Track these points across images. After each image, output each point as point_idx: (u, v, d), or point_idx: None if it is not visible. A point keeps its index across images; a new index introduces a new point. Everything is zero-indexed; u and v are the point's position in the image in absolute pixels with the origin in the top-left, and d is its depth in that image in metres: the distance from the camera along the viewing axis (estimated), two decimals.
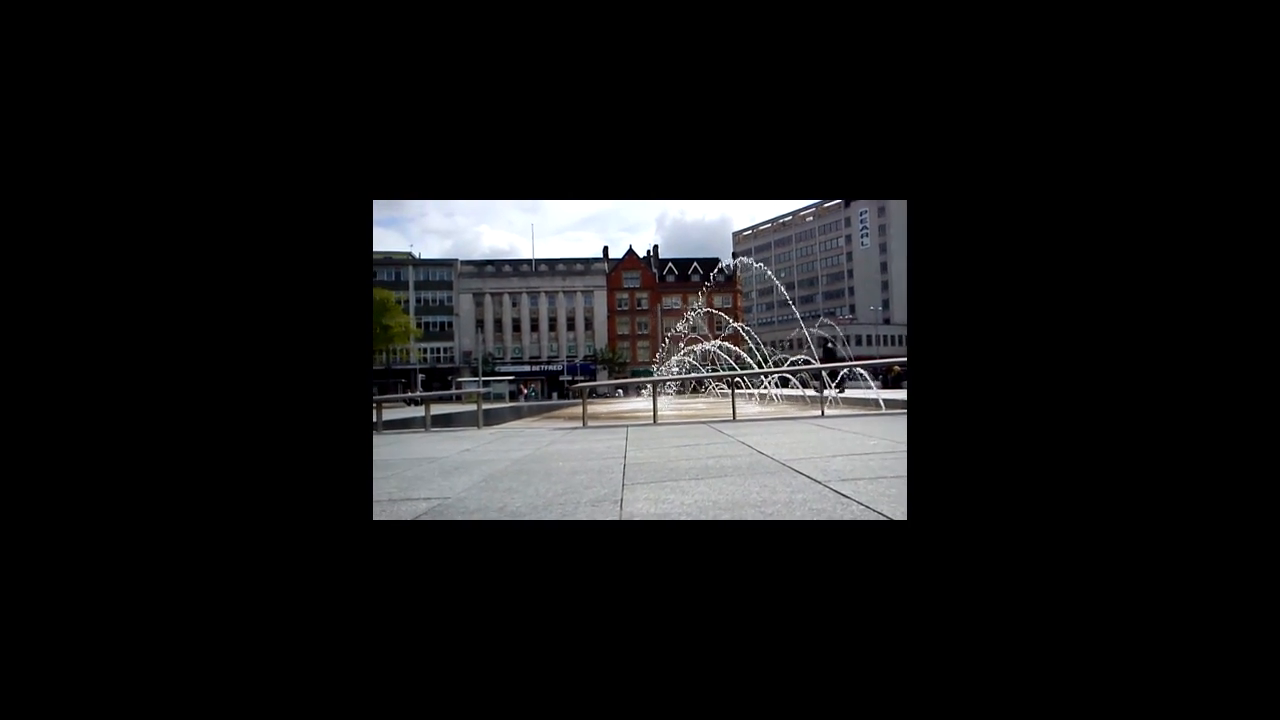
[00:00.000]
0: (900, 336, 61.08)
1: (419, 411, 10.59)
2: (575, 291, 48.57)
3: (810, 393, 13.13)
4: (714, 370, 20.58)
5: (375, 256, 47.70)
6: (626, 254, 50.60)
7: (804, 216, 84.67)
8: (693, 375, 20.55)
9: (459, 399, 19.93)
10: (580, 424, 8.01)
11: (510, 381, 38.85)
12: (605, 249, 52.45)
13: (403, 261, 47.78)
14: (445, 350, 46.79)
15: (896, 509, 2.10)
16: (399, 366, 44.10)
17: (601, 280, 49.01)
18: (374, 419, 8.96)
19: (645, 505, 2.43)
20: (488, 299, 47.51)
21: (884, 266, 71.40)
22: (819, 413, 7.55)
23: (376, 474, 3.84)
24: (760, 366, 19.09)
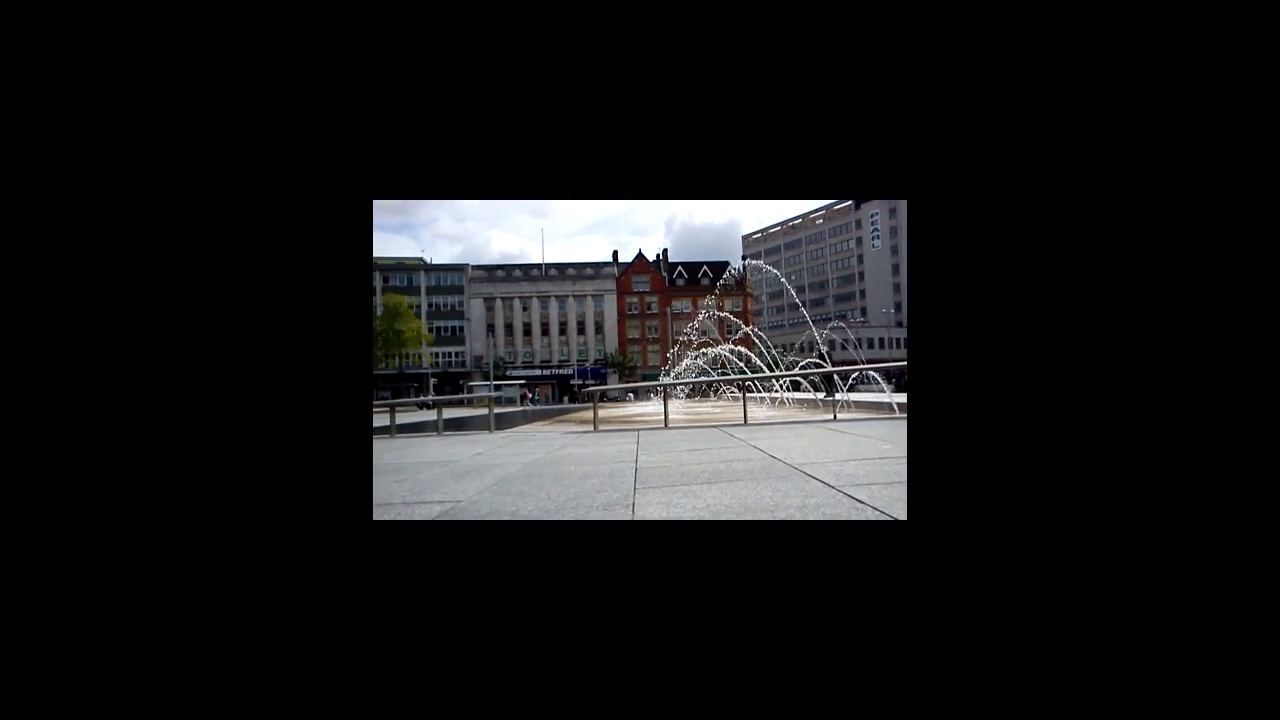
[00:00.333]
0: None
1: (431, 415, 10.66)
2: (585, 295, 48.72)
3: (822, 396, 13.05)
4: (724, 374, 20.53)
5: (388, 262, 48.25)
6: (636, 258, 50.68)
7: (814, 219, 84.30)
8: (703, 379, 20.50)
9: (470, 403, 20.05)
10: (591, 428, 8.02)
11: (521, 385, 38.98)
12: (615, 253, 52.72)
13: (415, 267, 48.24)
14: (457, 354, 47.11)
15: None
16: (411, 371, 44.46)
17: (611, 284, 49.11)
18: (389, 423, 9.03)
19: (658, 509, 2.42)
20: (498, 303, 47.80)
21: (896, 269, 70.85)
22: (831, 416, 7.50)
23: (390, 478, 3.86)
24: (771, 370, 19.03)
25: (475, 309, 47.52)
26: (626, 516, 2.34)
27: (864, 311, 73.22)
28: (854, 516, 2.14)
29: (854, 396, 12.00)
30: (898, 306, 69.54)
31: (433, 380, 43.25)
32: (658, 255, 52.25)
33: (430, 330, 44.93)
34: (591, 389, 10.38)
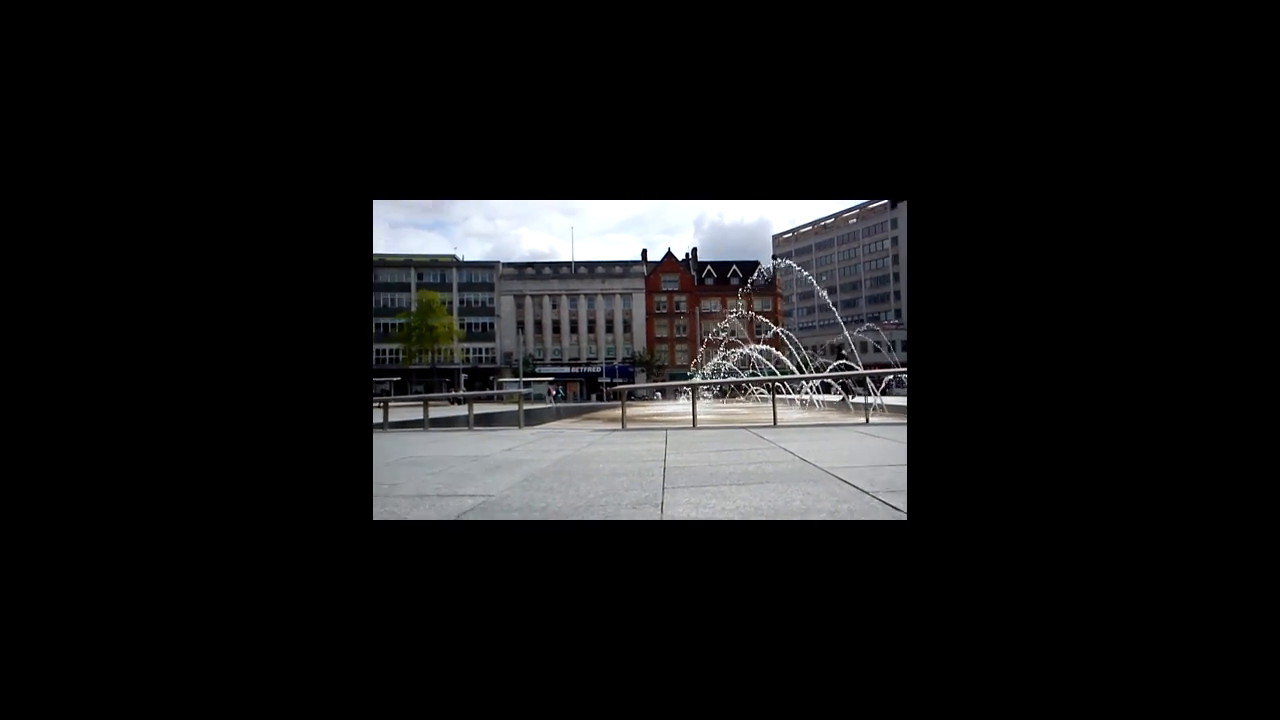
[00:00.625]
0: None
1: (462, 410, 10.87)
2: (614, 294, 48.90)
3: (855, 399, 12.81)
4: (753, 374, 20.34)
5: (422, 259, 49.26)
6: (665, 257, 50.63)
7: (847, 218, 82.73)
8: (732, 379, 20.34)
9: (500, 399, 20.35)
10: (619, 426, 8.05)
11: (551, 382, 39.39)
12: (644, 251, 52.71)
13: (447, 263, 49.15)
14: (487, 351, 47.87)
15: None
16: (443, 366, 45.37)
17: (640, 283, 49.18)
18: (423, 417, 9.24)
19: (686, 509, 2.42)
20: (528, 300, 48.38)
21: None
22: (864, 420, 7.36)
23: (424, 470, 3.95)
24: (800, 371, 18.76)
25: (505, 306, 48.19)
26: (655, 516, 2.35)
27: (899, 313, 71.49)
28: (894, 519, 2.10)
29: (887, 400, 11.74)
30: None
31: (464, 376, 44.03)
32: (687, 254, 52.11)
33: (461, 326, 45.79)
34: (619, 387, 10.42)
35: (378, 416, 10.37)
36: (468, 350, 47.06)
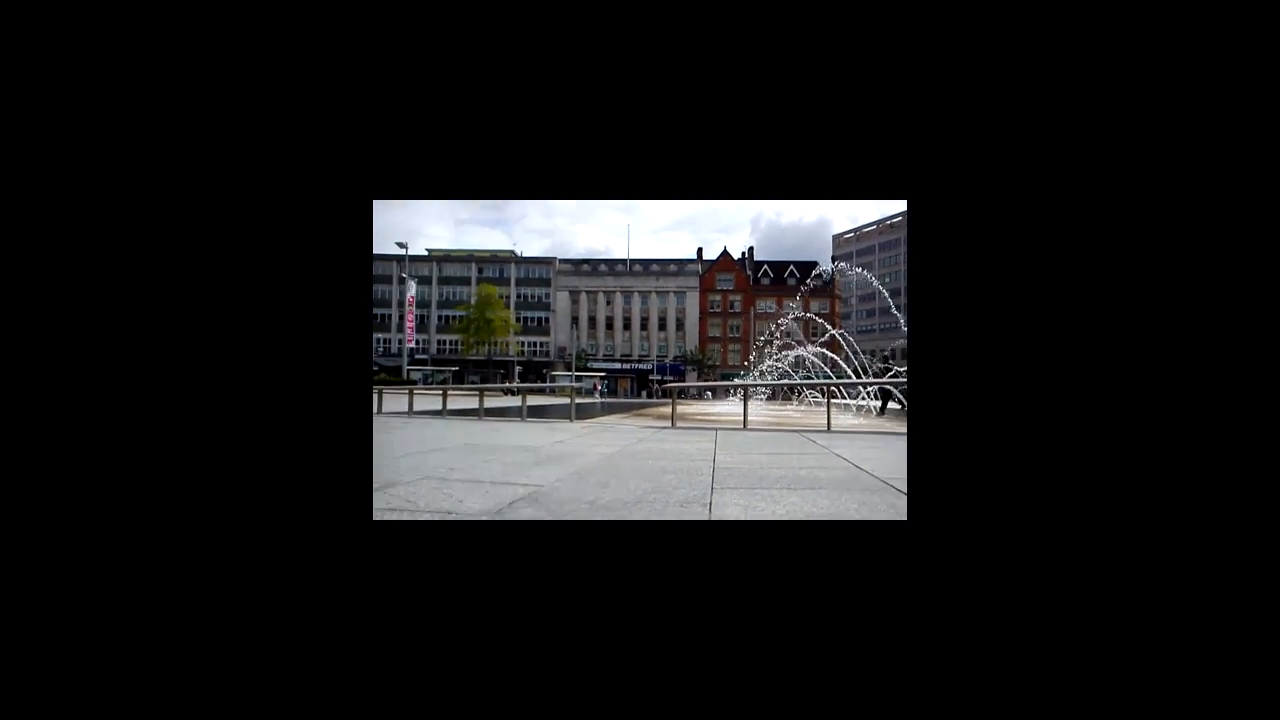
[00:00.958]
0: None
1: (516, 401, 11.16)
2: (668, 292, 48.86)
3: (894, 406, 12.27)
4: (807, 377, 19.83)
5: (483, 254, 50.85)
6: (720, 255, 50.11)
7: None
8: (785, 381, 19.91)
9: (553, 391, 20.77)
10: (669, 424, 8.05)
11: (601, 378, 39.86)
12: (699, 250, 52.33)
13: (506, 259, 50.54)
14: (541, 344, 48.93)
15: None
16: (499, 358, 46.73)
17: (694, 281, 48.92)
18: (479, 405, 9.54)
19: (735, 511, 2.39)
20: (583, 296, 49.06)
21: None
22: None
23: (479, 458, 4.08)
24: (858, 376, 18.14)
25: (561, 301, 49.07)
26: (703, 515, 2.33)
27: None
28: None
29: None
30: None
31: (518, 368, 45.19)
32: (743, 253, 51.40)
33: (517, 320, 47.00)
34: (670, 385, 10.40)
35: (437, 404, 10.81)
36: (523, 343, 48.27)
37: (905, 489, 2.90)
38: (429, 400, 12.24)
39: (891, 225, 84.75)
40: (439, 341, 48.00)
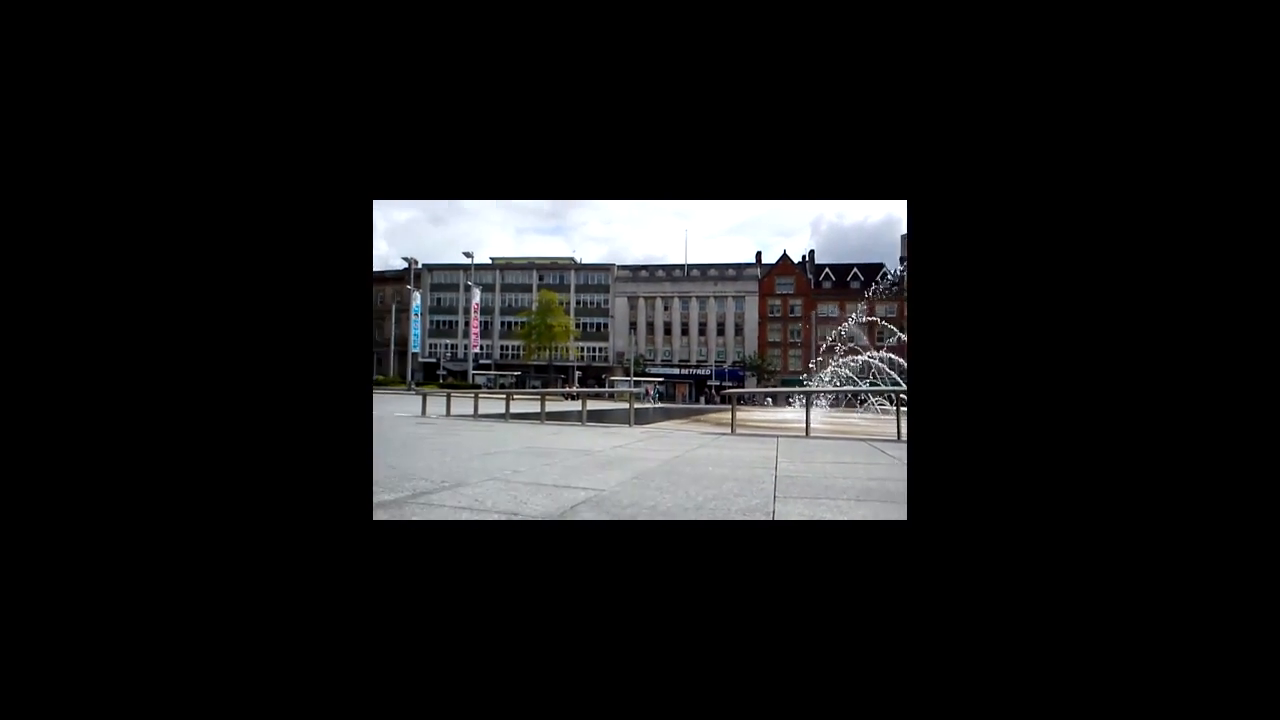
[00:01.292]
0: None
1: (576, 406, 11.35)
2: (726, 297, 48.35)
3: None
4: (873, 384, 19.06)
5: (543, 261, 52.21)
6: (780, 259, 49.07)
7: None
8: (849, 388, 19.21)
9: (612, 397, 21.00)
10: (729, 430, 7.94)
11: (659, 383, 39.91)
12: (758, 254, 51.50)
13: (565, 265, 51.63)
14: (600, 350, 49.58)
15: None
16: (559, 363, 47.75)
17: (753, 285, 48.16)
18: (540, 409, 9.77)
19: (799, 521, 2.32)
20: (641, 302, 49.36)
21: None
22: None
23: (540, 461, 4.17)
24: None
25: (619, 307, 49.58)
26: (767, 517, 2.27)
27: None
28: None
29: None
30: None
31: (578, 373, 45.98)
32: (803, 256, 50.13)
33: (577, 326, 47.88)
34: (729, 391, 10.27)
35: (500, 408, 11.16)
36: (582, 349, 49.08)
37: None
38: (493, 404, 12.68)
39: None
40: (502, 347, 49.61)
